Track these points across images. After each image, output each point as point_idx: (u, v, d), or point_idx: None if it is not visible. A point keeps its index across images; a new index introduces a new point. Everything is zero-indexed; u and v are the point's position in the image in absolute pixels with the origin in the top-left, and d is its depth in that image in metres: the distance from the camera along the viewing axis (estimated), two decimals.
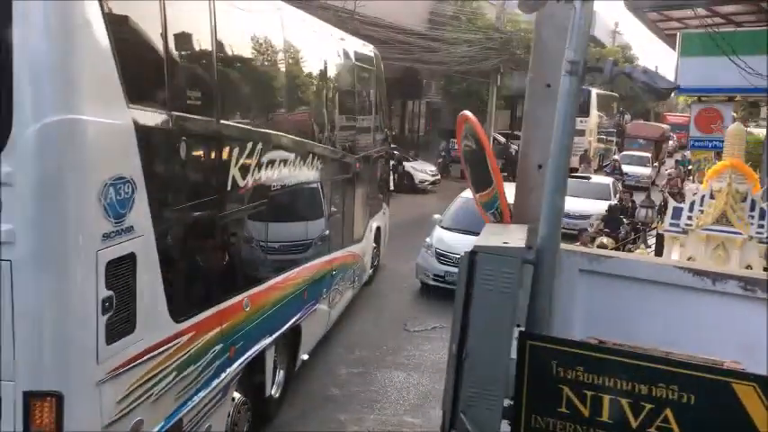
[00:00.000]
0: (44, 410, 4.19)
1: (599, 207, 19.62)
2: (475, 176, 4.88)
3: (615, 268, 4.65)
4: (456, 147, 31.47)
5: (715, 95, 11.29)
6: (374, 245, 14.08)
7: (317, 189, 9.30)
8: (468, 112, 5.10)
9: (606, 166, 29.10)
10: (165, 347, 5.15)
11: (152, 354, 4.95)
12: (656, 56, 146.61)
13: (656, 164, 34.91)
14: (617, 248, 15.50)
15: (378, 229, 14.30)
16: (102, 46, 4.31)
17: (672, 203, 8.50)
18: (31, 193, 4.09)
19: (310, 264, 8.97)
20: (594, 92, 34.77)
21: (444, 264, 13.35)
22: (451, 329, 3.93)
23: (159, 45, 5.03)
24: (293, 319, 8.26)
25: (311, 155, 8.71)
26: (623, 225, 16.48)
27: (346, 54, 11.26)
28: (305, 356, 9.08)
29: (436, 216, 14.69)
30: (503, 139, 33.88)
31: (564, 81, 3.84)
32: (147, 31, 4.94)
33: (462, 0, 30.77)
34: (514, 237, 4.07)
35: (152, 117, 4.87)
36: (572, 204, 18.56)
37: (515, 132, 37.55)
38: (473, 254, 3.85)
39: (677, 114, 64.66)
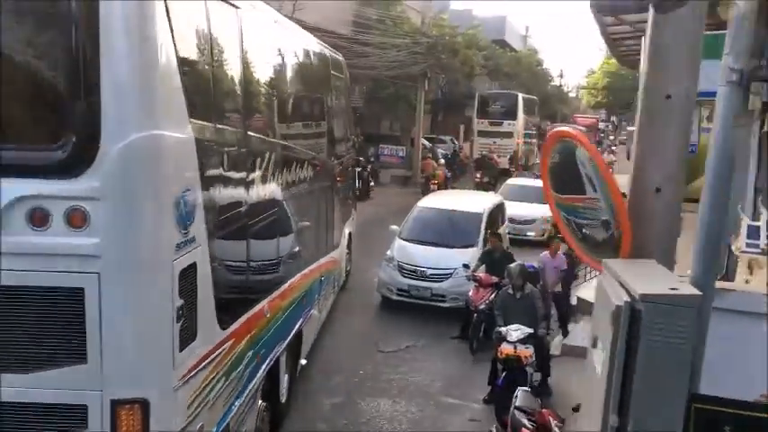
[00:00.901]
0: (131, 417, 4.31)
1: (540, 211, 19.55)
2: (561, 184, 4.34)
3: (741, 303, 4.14)
4: (385, 152, 31.56)
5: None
6: (347, 250, 13.82)
7: (314, 195, 9.63)
8: (570, 129, 4.54)
9: (533, 166, 29.15)
10: (216, 354, 5.29)
11: (207, 360, 5.10)
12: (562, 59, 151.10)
13: None
14: None
15: (349, 234, 14.00)
16: (173, 64, 4.49)
17: (746, 221, 7.95)
18: (118, 207, 4.21)
19: (308, 269, 9.13)
20: (521, 96, 35.31)
21: (408, 278, 12.77)
22: (606, 396, 3.28)
23: (207, 63, 5.28)
24: (298, 324, 8.47)
25: (309, 162, 9.00)
26: None
27: (328, 64, 11.28)
28: (304, 361, 9.14)
29: (393, 227, 14.12)
30: (429, 144, 33.77)
31: (724, 92, 3.32)
32: (199, 51, 5.12)
33: (386, 0, 30.29)
34: (667, 279, 3.45)
35: (204, 130, 5.01)
36: (516, 210, 18.45)
37: (440, 136, 37.59)
38: (634, 303, 3.22)
39: (585, 116, 66.67)
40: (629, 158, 38.11)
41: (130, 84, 4.20)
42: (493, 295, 11.18)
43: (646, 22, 3.90)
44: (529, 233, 19.31)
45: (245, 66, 6.27)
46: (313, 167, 9.24)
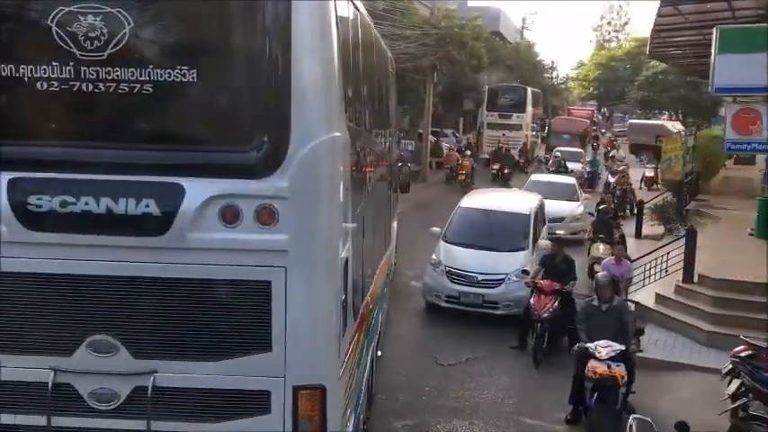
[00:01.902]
0: (311, 403, 4.55)
1: (568, 208, 18.98)
2: None
3: None
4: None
5: (754, 95, 10.61)
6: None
7: (385, 190, 10.02)
8: None
9: (549, 162, 28.66)
10: (352, 345, 5.55)
11: (349, 350, 5.37)
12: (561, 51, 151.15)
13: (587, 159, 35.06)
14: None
15: (395, 230, 13.53)
16: (339, 69, 4.76)
17: None
18: (304, 205, 4.45)
19: (383, 262, 9.37)
20: (529, 89, 35.03)
21: (458, 284, 12.11)
22: None
23: (350, 64, 5.48)
24: (381, 317, 8.85)
25: (385, 158, 9.43)
26: (616, 229, 15.79)
27: (390, 60, 11.20)
28: (379, 353, 9.14)
29: (435, 229, 13.44)
30: (433, 138, 33.18)
31: None
32: (345, 52, 5.21)
33: None
34: None
35: (353, 131, 5.32)
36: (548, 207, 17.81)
37: (443, 130, 36.95)
38: None
39: (581, 108, 66.28)
40: (631, 152, 37.79)
41: (316, 87, 4.45)
42: (556, 303, 10.59)
43: (702, 12, 3.31)
44: (558, 231, 18.68)
45: (364, 66, 6.44)
46: (386, 162, 9.66)
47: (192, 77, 4.33)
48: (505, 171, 27.78)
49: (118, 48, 4.29)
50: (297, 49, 4.32)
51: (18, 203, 4.37)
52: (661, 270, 12.34)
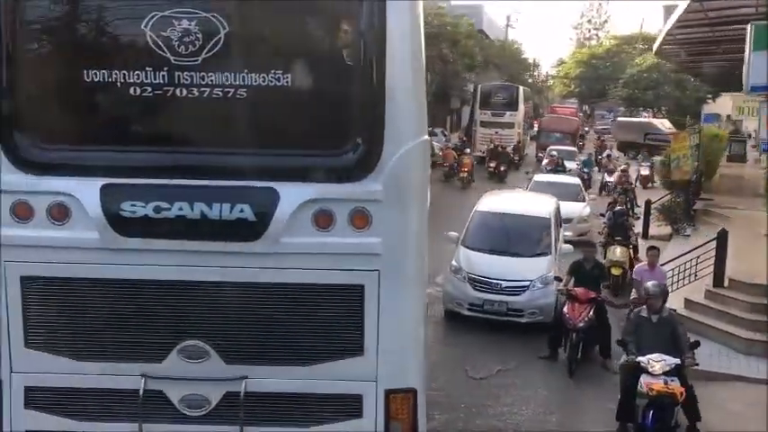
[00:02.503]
0: (403, 407, 4.58)
1: (576, 209, 18.59)
2: None
3: None
4: None
5: None
6: None
7: None
8: None
9: (545, 162, 28.30)
10: None
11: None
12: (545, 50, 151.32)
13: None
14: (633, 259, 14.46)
15: None
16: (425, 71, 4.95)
17: None
18: (396, 209, 4.46)
19: None
20: (521, 88, 34.91)
21: (481, 291, 11.63)
22: None
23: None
24: None
25: None
26: (632, 230, 15.43)
27: None
28: None
29: (452, 233, 12.89)
30: None
31: None
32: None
33: None
34: None
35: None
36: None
37: (433, 129, 36.58)
38: None
39: (564, 106, 66.20)
40: (619, 150, 37.58)
41: (409, 90, 4.44)
42: (591, 312, 10.16)
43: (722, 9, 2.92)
44: (566, 233, 18.31)
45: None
46: None
47: (287, 81, 4.30)
48: (502, 168, 27.93)
49: (212, 52, 4.23)
50: (391, 51, 4.30)
51: (111, 210, 4.31)
52: (690, 275, 11.92)
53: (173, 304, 4.51)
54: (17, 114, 4.36)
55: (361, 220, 4.41)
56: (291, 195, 4.35)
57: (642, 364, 7.72)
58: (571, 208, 18.18)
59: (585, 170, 27.50)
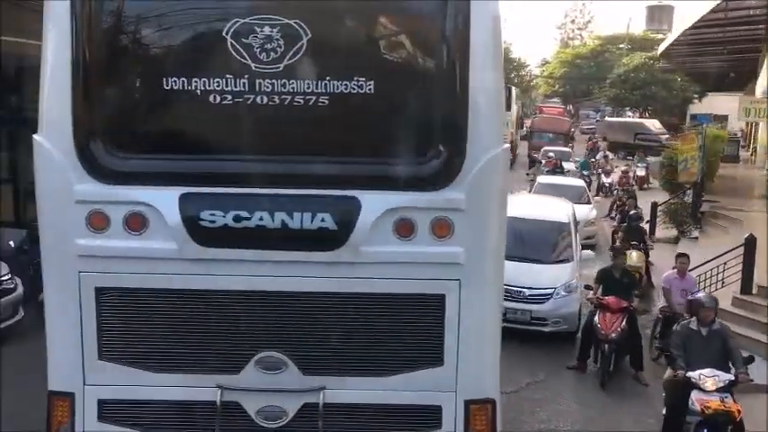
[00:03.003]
0: (483, 417, 4.53)
1: (582, 212, 18.27)
2: None
3: None
4: None
5: None
6: None
7: None
8: None
9: (543, 163, 27.99)
10: None
11: None
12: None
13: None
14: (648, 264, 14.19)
15: None
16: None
17: None
18: (478, 217, 4.39)
19: None
20: (513, 89, 34.60)
21: (504, 299, 11.17)
22: None
23: None
24: None
25: None
26: (646, 234, 15.15)
27: None
28: None
29: None
30: None
31: None
32: None
33: None
34: None
35: None
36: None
37: None
38: None
39: (550, 105, 66.20)
40: (609, 149, 37.35)
41: (491, 97, 4.39)
42: (624, 322, 9.81)
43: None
44: None
45: None
46: None
47: (369, 89, 4.21)
48: None
49: (294, 59, 4.16)
50: (474, 58, 4.23)
51: (190, 219, 4.24)
52: (717, 281, 11.63)
53: (250, 315, 4.46)
54: (93, 123, 4.26)
55: (442, 229, 4.36)
56: (373, 204, 4.28)
57: (693, 380, 7.36)
58: (577, 211, 17.85)
59: (585, 172, 27.19)
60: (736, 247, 11.53)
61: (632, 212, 15.31)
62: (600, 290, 10.31)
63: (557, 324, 11.10)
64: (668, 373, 8.17)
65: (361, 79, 4.21)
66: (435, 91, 4.32)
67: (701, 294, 8.01)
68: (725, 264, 11.72)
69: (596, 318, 9.96)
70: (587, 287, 10.58)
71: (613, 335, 9.70)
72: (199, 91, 4.18)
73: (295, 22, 4.13)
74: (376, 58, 4.41)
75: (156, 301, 4.43)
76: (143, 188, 4.27)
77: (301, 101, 4.20)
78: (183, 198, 4.25)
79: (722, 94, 47.31)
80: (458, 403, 4.53)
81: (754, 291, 11.20)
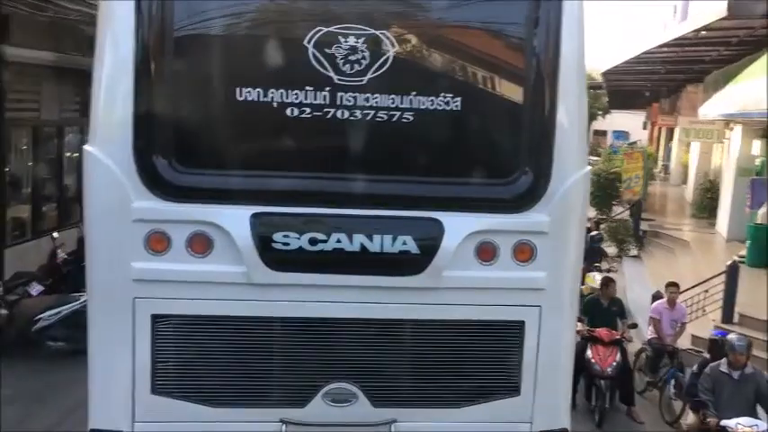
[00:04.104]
0: None
1: None
2: None
3: None
4: None
5: None
6: None
7: None
8: None
9: None
10: None
11: None
12: None
13: None
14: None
15: None
16: None
17: None
18: (560, 242, 4.23)
19: None
20: None
21: None
22: None
23: None
24: None
25: None
26: (606, 256, 14.75)
27: None
28: None
29: None
30: None
31: None
32: None
33: None
34: None
35: None
36: None
37: None
38: None
39: None
40: None
41: (576, 118, 4.23)
42: (619, 355, 9.14)
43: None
44: None
45: None
46: None
47: (456, 106, 4.01)
48: None
49: (379, 72, 3.92)
50: (563, 78, 4.07)
51: (263, 241, 3.94)
52: (697, 309, 11.21)
53: (321, 344, 4.18)
54: (156, 134, 3.90)
55: (525, 252, 4.17)
56: (456, 226, 4.06)
57: (729, 429, 6.71)
58: None
59: None
60: (719, 274, 11.13)
61: (593, 233, 14.83)
62: (586, 322, 9.60)
63: None
64: (691, 418, 7.54)
65: (447, 96, 4.00)
66: (523, 109, 4.13)
67: (732, 336, 7.36)
68: (706, 291, 11.31)
69: (589, 352, 9.23)
70: (578, 320, 9.82)
71: (609, 370, 9.01)
72: (275, 103, 3.89)
73: (382, 34, 3.91)
74: (463, 73, 4.19)
75: (217, 330, 4.10)
76: (210, 206, 3.94)
77: (384, 116, 3.95)
78: (255, 218, 3.93)
79: (624, 112, 49.10)
80: None
81: (736, 320, 10.83)
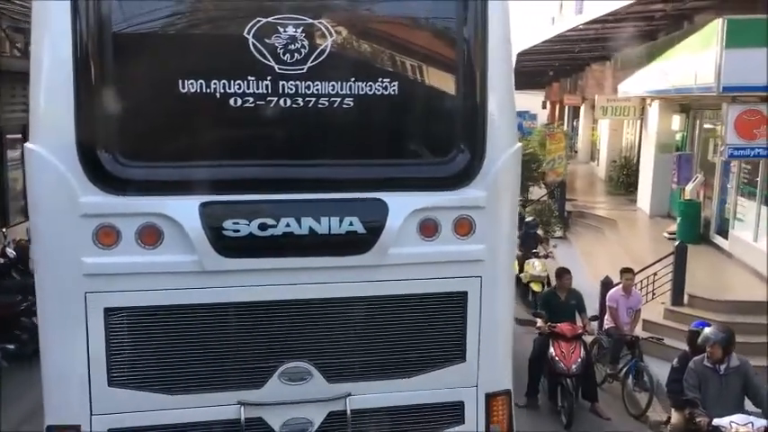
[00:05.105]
0: (501, 408, 4.68)
1: None
2: None
3: None
4: None
5: (757, 94, 9.50)
6: None
7: None
8: None
9: None
10: None
11: None
12: None
13: None
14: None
15: None
16: None
17: None
18: (495, 215, 4.48)
19: None
20: None
21: None
22: None
23: None
24: None
25: None
26: (542, 242, 14.35)
27: None
28: None
29: None
30: None
31: None
32: None
33: None
34: None
35: None
36: None
37: None
38: None
39: None
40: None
41: (506, 97, 4.47)
42: (583, 351, 8.67)
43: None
44: None
45: None
46: None
47: (394, 90, 4.21)
48: None
49: (319, 61, 4.05)
50: (492, 60, 4.30)
51: (213, 229, 4.02)
52: (647, 293, 10.92)
53: (275, 326, 4.32)
54: (100, 128, 3.96)
55: (464, 227, 4.40)
56: (399, 206, 4.27)
57: (723, 429, 6.28)
58: None
59: None
60: (667, 256, 10.88)
61: (528, 219, 14.41)
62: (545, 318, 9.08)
63: None
64: (676, 417, 7.08)
65: (384, 81, 4.17)
66: (457, 92, 4.34)
67: (708, 330, 6.90)
68: (655, 274, 11.03)
69: (551, 349, 8.72)
70: (536, 315, 9.27)
71: (574, 367, 8.54)
72: (218, 94, 3.98)
73: (320, 23, 4.03)
74: (399, 59, 4.33)
75: (172, 319, 4.17)
76: (158, 198, 4.00)
77: (326, 103, 4.10)
78: (204, 207, 4.02)
79: (523, 92, 49.87)
80: (479, 397, 4.61)
81: (686, 301, 10.61)
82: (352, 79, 4.09)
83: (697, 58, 10.42)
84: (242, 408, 4.25)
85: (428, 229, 4.34)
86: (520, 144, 4.72)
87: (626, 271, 9.66)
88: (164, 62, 4.07)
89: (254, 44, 3.94)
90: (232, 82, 3.95)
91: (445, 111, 4.42)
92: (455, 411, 4.59)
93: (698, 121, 16.10)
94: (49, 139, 3.91)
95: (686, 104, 16.15)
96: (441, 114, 4.44)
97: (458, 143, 4.33)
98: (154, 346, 4.18)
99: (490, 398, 4.60)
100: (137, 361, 4.18)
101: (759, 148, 9.65)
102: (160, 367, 4.20)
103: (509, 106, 4.49)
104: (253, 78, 3.96)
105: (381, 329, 4.44)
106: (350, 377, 4.43)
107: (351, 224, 4.14)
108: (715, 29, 9.48)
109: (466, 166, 4.32)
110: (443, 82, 4.42)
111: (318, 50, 4.01)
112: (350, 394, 4.39)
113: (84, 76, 3.83)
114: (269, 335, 4.29)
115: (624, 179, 21.47)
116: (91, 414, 4.15)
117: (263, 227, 4.03)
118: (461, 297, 4.47)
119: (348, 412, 4.38)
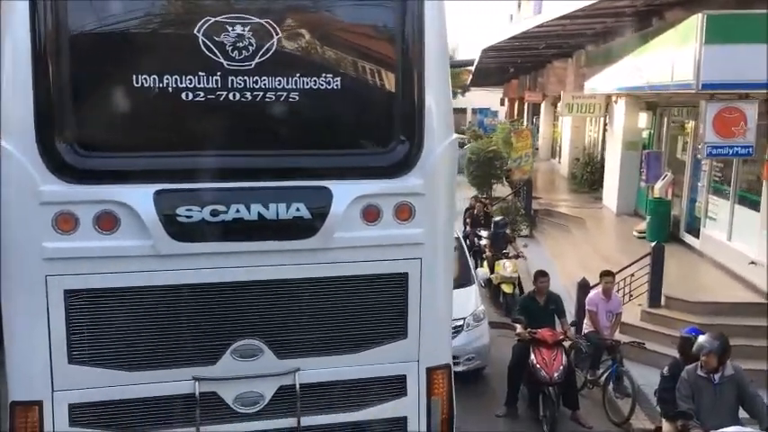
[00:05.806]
0: (441, 381, 4.98)
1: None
2: None
3: None
4: None
5: (735, 92, 9.32)
6: None
7: None
8: None
9: None
10: None
11: None
12: None
13: None
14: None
15: None
16: None
17: None
18: (434, 200, 4.77)
19: None
20: None
21: None
22: None
23: None
24: None
25: None
26: (512, 242, 14.08)
27: None
28: None
29: None
30: None
31: None
32: None
33: None
34: None
35: None
36: None
37: None
38: None
39: None
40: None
41: (443, 90, 4.75)
42: (564, 358, 8.36)
43: None
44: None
45: None
46: None
47: (336, 85, 4.46)
48: None
49: (265, 57, 4.30)
50: (429, 57, 4.56)
51: (167, 215, 4.26)
52: (624, 294, 10.67)
53: (227, 306, 4.53)
54: (58, 120, 4.13)
55: (404, 212, 4.66)
56: (343, 192, 4.51)
57: None
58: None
59: None
60: (644, 256, 10.64)
61: (497, 219, 14.09)
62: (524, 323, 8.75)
63: (470, 361, 9.45)
64: (667, 427, 6.82)
65: (328, 76, 4.42)
66: (396, 85, 4.57)
67: (702, 338, 6.62)
68: (632, 275, 10.79)
69: (532, 357, 8.39)
70: (516, 321, 8.92)
71: (557, 375, 8.23)
72: (171, 88, 4.19)
73: (266, 22, 4.25)
74: (341, 55, 4.54)
75: (129, 300, 4.38)
76: (114, 186, 4.23)
77: (272, 96, 4.34)
78: (159, 195, 4.25)
79: (482, 89, 49.75)
80: (420, 371, 4.88)
81: (663, 303, 10.39)
82: (297, 75, 4.34)
83: (674, 55, 10.16)
84: (197, 383, 4.50)
85: (371, 214, 4.61)
86: (456, 135, 4.93)
87: (606, 274, 9.38)
88: (119, 59, 4.25)
89: (204, 42, 4.18)
90: (184, 77, 4.18)
91: (385, 104, 4.65)
92: (398, 384, 4.87)
93: (665, 119, 15.99)
94: (11, 133, 4.09)
95: (653, 102, 16.02)
96: (381, 108, 4.68)
97: (397, 134, 4.59)
98: (112, 326, 4.37)
99: (431, 372, 4.88)
100: (95, 340, 4.37)
101: (738, 146, 9.45)
102: (118, 345, 4.40)
103: (445, 100, 4.75)
104: (203, 74, 4.21)
105: (328, 308, 4.69)
106: (298, 353, 4.66)
107: (298, 210, 4.39)
108: (694, 25, 9.22)
109: (405, 155, 4.59)
110: (383, 78, 4.66)
111: (265, 48, 4.26)
112: (299, 369, 4.65)
113: (42, 71, 4.03)
114: (221, 314, 4.51)
115: (588, 176, 21.37)
116: (53, 390, 4.37)
117: (214, 213, 4.27)
118: (402, 278, 4.73)
119: (297, 386, 4.64)
